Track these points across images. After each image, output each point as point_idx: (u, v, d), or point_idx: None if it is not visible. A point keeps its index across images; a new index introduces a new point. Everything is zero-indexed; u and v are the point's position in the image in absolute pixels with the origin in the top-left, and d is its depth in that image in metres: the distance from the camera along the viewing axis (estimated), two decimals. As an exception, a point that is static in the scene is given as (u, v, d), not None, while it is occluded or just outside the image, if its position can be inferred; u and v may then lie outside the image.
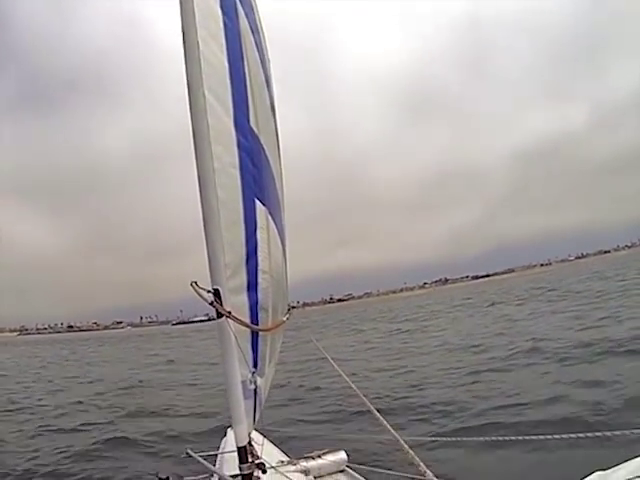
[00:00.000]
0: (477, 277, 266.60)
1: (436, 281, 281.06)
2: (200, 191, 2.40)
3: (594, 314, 20.97)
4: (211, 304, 2.40)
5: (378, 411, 2.87)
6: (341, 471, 3.69)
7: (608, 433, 2.45)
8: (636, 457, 1.90)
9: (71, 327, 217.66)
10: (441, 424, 9.19)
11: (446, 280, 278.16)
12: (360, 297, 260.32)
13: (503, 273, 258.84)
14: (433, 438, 3.90)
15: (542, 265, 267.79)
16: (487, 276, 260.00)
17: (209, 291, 2.41)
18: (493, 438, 3.50)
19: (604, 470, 1.93)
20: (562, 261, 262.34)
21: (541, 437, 2.98)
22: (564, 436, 2.78)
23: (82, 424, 11.91)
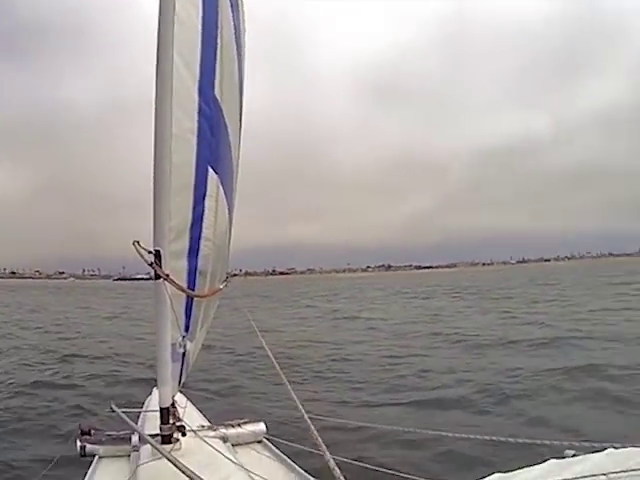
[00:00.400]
0: (420, 267, 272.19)
1: (380, 266, 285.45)
2: (155, 153, 2.39)
3: (521, 317, 22.28)
4: (150, 265, 2.42)
5: (290, 383, 2.97)
6: (259, 442, 3.75)
7: (520, 440, 2.51)
8: (538, 464, 1.98)
9: (14, 273, 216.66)
10: (352, 396, 9.90)
11: (389, 267, 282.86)
12: (303, 272, 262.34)
13: (446, 267, 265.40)
14: (345, 421, 4.05)
15: (484, 264, 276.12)
16: (430, 268, 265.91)
17: (150, 252, 2.42)
18: (404, 429, 3.64)
19: (504, 473, 1.96)
20: (504, 263, 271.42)
21: (450, 435, 3.06)
22: (479, 437, 2.90)
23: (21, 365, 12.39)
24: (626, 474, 1.52)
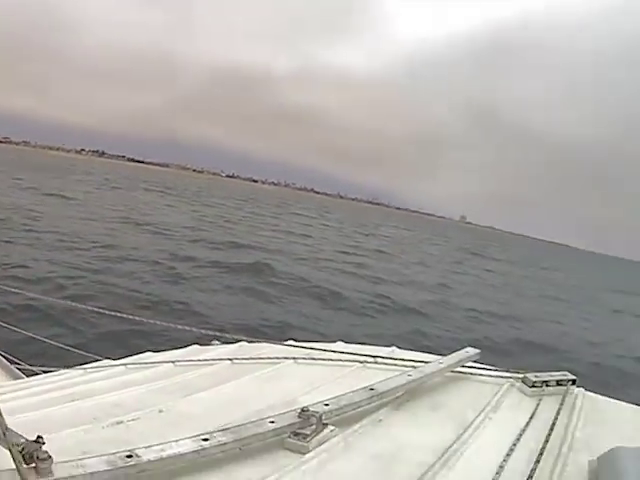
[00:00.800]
0: (133, 160, 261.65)
1: (94, 151, 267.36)
2: None
3: (213, 222, 26.53)
4: None
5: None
6: None
7: (180, 326, 2.66)
8: (185, 347, 2.26)
9: None
10: (41, 257, 11.80)
11: (103, 153, 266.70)
12: (17, 144, 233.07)
13: (158, 165, 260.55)
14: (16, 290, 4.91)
15: (195, 171, 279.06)
16: (143, 162, 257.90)
17: None
18: (62, 301, 4.33)
19: (155, 352, 2.23)
20: (214, 174, 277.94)
21: (101, 311, 3.37)
22: (124, 315, 3.14)
23: None
24: (246, 361, 1.80)
